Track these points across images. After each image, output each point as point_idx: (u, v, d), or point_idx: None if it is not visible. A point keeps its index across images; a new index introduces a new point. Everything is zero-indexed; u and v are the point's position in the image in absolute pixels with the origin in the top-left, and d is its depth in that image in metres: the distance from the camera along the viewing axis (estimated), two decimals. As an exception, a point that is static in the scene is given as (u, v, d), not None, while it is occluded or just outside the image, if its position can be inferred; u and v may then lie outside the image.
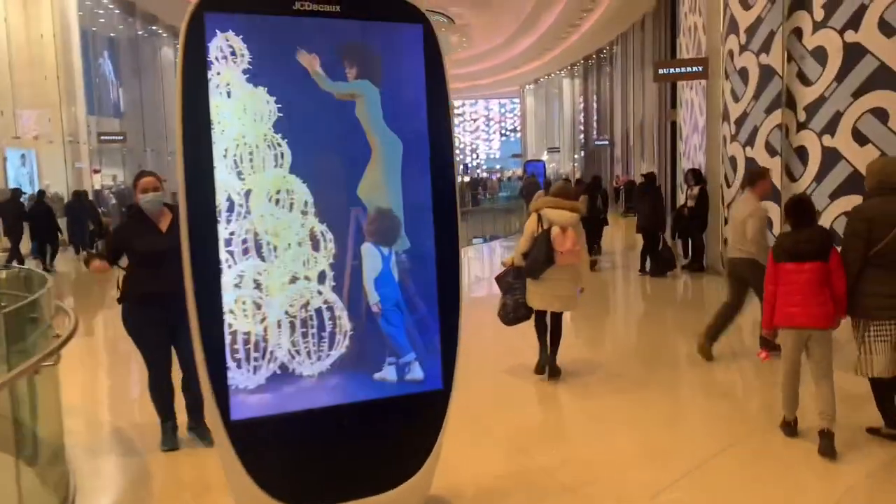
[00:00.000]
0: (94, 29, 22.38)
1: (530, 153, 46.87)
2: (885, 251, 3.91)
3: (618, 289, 10.81)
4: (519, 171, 49.25)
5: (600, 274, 11.53)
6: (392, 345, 3.08)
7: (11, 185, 15.71)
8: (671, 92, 18.43)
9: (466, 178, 34.65)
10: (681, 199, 12.71)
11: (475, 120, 59.12)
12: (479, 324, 7.09)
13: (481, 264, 14.22)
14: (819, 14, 7.67)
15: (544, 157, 42.27)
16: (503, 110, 58.75)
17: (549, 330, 5.56)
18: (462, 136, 59.31)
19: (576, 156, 39.51)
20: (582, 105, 38.61)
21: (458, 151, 41.65)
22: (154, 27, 25.44)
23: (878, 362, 3.96)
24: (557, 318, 5.55)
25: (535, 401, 5.41)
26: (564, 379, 5.60)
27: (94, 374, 6.69)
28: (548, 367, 5.58)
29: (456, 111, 58.65)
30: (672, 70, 11.27)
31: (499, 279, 5.66)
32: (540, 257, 5.25)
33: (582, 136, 38.71)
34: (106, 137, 20.35)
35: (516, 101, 55.10)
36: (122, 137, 20.62)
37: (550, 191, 5.78)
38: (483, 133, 59.25)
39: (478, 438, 4.44)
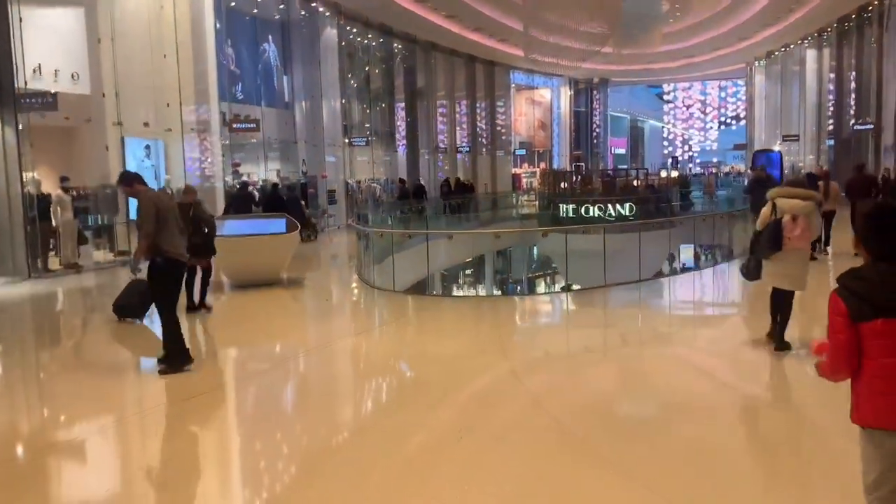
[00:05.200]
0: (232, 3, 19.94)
1: (757, 143, 38.80)
2: None
3: None
4: (740, 167, 41.37)
5: None
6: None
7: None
8: None
9: (674, 174, 28.49)
10: None
11: (688, 106, 51.17)
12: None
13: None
14: None
15: (776, 146, 34.34)
16: (723, 94, 50.17)
17: (783, 307, 6.18)
18: (672, 124, 51.81)
19: (822, 145, 31.27)
20: (833, 81, 30.37)
21: (666, 143, 35.85)
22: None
23: None
24: (788, 295, 6.21)
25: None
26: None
27: None
28: (776, 340, 6.24)
29: (665, 96, 51.45)
30: None
31: (753, 239, 6.33)
32: (766, 244, 6.01)
33: (831, 121, 30.46)
34: (240, 126, 17.70)
35: (740, 82, 46.59)
36: (254, 125, 17.88)
37: (785, 181, 7.22)
38: (698, 121, 51.09)
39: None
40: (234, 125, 17.81)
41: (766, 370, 6.20)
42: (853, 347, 2.52)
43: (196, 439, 5.11)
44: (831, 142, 30.44)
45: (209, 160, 17.49)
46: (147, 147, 16.70)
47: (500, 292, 17.16)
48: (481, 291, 16.71)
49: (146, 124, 15.57)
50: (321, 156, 22.94)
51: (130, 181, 6.42)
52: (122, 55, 14.99)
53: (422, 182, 26.07)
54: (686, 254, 15.33)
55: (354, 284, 11.86)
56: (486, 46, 32.50)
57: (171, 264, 6.18)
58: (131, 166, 15.60)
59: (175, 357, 6.19)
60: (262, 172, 21.76)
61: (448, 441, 4.63)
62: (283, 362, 7.12)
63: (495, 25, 29.43)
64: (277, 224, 10.68)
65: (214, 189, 17.38)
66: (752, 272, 6.26)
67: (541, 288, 17.02)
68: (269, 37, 23.15)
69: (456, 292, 15.25)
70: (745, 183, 25.39)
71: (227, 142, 18.92)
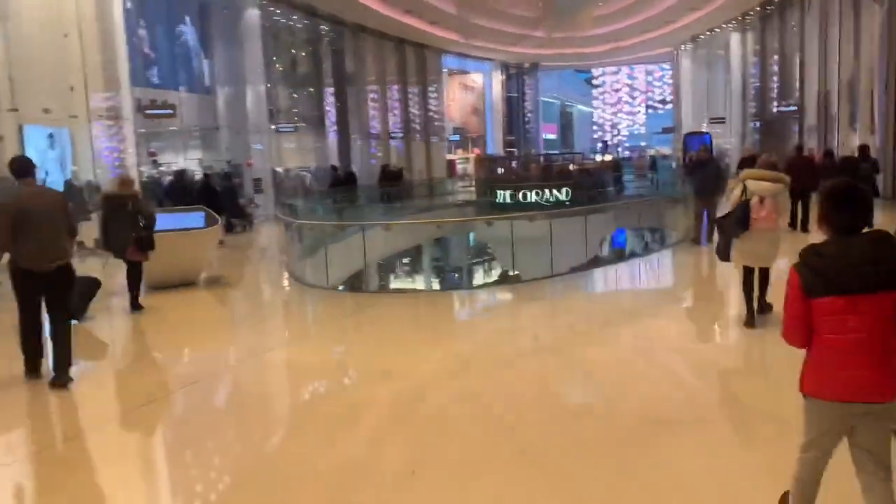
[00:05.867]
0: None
1: (685, 127, 39.47)
2: None
3: None
4: (666, 150, 41.98)
5: None
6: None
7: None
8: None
9: (608, 157, 28.53)
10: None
11: (617, 90, 51.73)
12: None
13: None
14: None
15: (703, 129, 34.96)
16: (650, 78, 50.91)
17: (759, 280, 6.48)
18: (602, 109, 52.32)
19: (747, 127, 32.00)
20: (757, 65, 31.05)
21: (596, 127, 35.98)
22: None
23: None
24: (762, 270, 6.49)
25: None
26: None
27: None
28: (758, 305, 6.49)
29: (594, 81, 51.88)
30: None
31: (719, 222, 6.63)
32: (734, 224, 6.22)
33: (754, 103, 31.17)
34: (154, 112, 16.40)
35: (666, 67, 47.33)
36: (170, 111, 16.63)
37: (757, 163, 7.18)
38: (627, 105, 51.72)
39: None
40: (148, 111, 16.50)
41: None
42: (805, 319, 2.65)
43: (93, 474, 4.32)
44: (756, 124, 31.13)
45: (122, 149, 16.18)
46: (50, 136, 15.29)
47: (440, 285, 16.60)
48: (421, 285, 16.10)
49: (47, 111, 14.17)
50: (246, 143, 21.78)
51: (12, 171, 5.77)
52: (16, 35, 13.56)
53: (353, 169, 25.15)
54: (626, 238, 15.16)
55: (286, 282, 11.01)
56: (416, 29, 31.69)
57: (16, 275, 5.62)
58: (32, 157, 14.20)
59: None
60: (181, 161, 20.45)
61: (398, 472, 4.02)
62: (199, 382, 6.06)
63: (425, 7, 28.66)
64: (195, 218, 9.72)
65: (129, 180, 16.13)
66: (723, 252, 6.50)
67: (481, 279, 16.54)
68: (187, 17, 21.72)
69: (394, 285, 14.61)
70: (675, 166, 25.70)
71: (143, 130, 17.60)
